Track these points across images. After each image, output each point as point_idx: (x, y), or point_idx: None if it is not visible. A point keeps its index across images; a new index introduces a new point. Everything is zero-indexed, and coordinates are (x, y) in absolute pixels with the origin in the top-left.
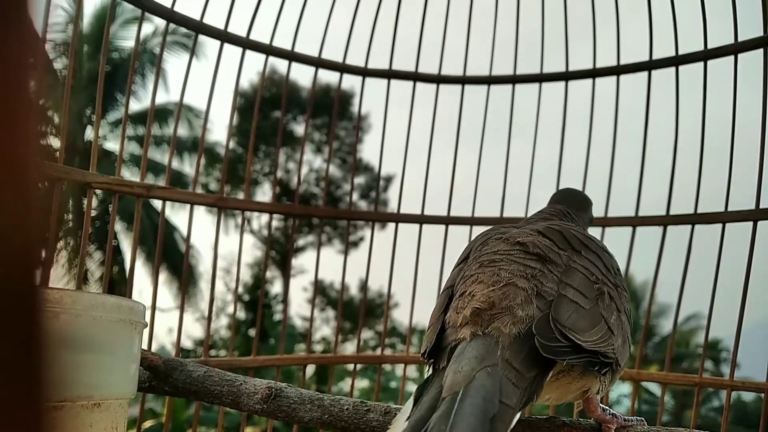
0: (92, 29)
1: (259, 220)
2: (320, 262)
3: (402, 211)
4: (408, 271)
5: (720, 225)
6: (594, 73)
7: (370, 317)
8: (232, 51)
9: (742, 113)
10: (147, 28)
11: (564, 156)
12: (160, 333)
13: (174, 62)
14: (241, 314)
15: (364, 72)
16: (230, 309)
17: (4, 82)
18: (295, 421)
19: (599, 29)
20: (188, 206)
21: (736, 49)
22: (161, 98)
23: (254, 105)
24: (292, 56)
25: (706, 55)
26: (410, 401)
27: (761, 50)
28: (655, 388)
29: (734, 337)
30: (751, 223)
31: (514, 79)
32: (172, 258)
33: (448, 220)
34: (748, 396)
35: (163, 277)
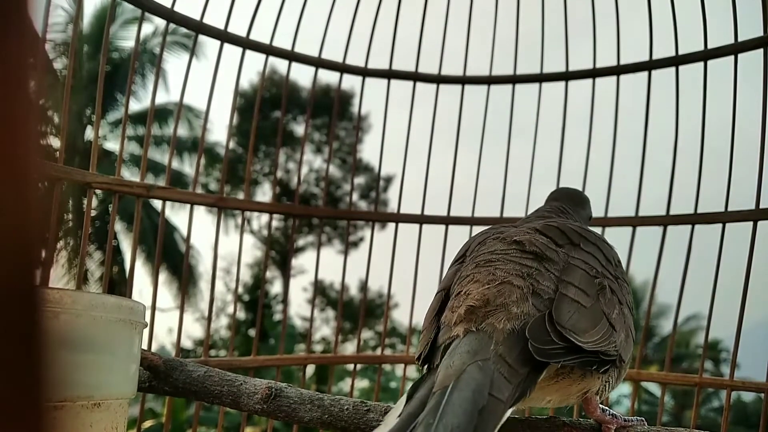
0: (92, 29)
1: (259, 220)
2: (320, 262)
3: (402, 211)
4: (408, 271)
5: (720, 225)
6: (594, 73)
7: (370, 317)
8: (232, 51)
9: (742, 113)
10: (147, 28)
11: (564, 156)
12: (160, 333)
13: (174, 62)
14: (241, 314)
15: (364, 72)
16: (230, 309)
17: (4, 82)
18: (295, 421)
19: (599, 29)
20: (188, 206)
21: (736, 49)
22: (161, 98)
23: (254, 105)
24: (292, 56)
25: (706, 55)
26: (403, 398)
27: (761, 50)
28: (655, 388)
29: (734, 337)
30: (751, 223)
31: (514, 79)
32: (172, 258)
33: (448, 220)
34: (748, 396)
35: (163, 277)
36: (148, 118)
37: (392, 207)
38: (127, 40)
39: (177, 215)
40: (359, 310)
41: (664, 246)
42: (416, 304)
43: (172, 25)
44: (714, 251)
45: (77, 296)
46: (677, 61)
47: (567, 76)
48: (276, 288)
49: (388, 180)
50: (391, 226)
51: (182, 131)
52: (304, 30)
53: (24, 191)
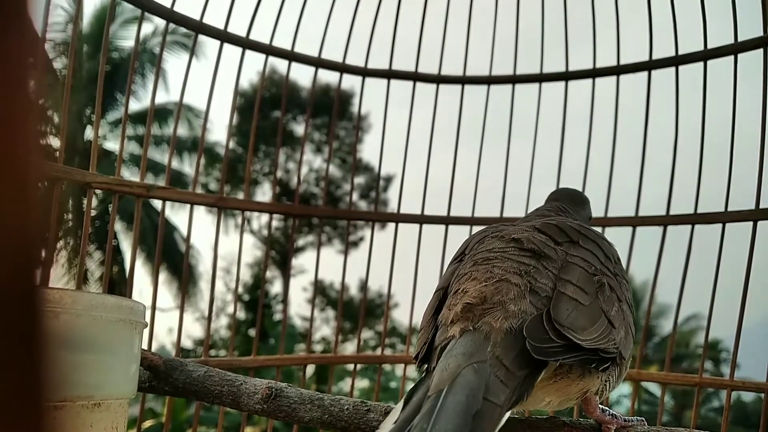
0: (92, 29)
1: (259, 220)
2: (320, 262)
3: (402, 211)
4: (408, 271)
5: (720, 225)
6: (594, 73)
7: (370, 317)
8: (232, 51)
9: (742, 113)
10: (147, 28)
11: (564, 156)
12: (160, 333)
13: (174, 62)
14: (241, 314)
15: (364, 72)
16: (230, 309)
17: (4, 82)
18: (295, 421)
19: (599, 29)
20: (188, 206)
21: (736, 49)
22: (161, 98)
23: (254, 105)
24: (292, 56)
25: (706, 55)
26: (400, 403)
27: (761, 50)
28: (655, 388)
29: (734, 337)
30: (751, 223)
31: (514, 79)
32: (172, 258)
33: (448, 220)
34: (748, 396)
35: (163, 277)
36: (148, 118)
37: (392, 207)
38: (127, 39)
39: (177, 215)
40: (359, 310)
41: (664, 246)
42: (416, 304)
43: (172, 25)
44: (714, 251)
45: (77, 296)
46: (677, 61)
47: (567, 76)
48: (276, 288)
49: (388, 180)
50: (391, 226)
51: (182, 131)
52: (304, 30)
53: (24, 191)
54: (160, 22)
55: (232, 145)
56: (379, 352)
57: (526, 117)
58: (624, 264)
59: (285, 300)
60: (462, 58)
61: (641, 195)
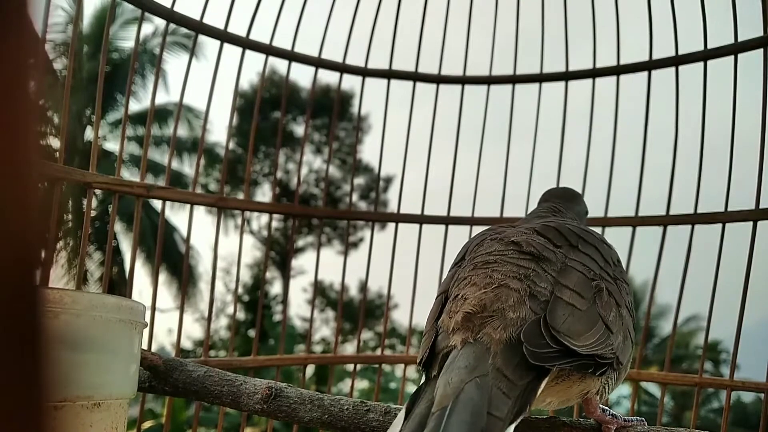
0: (92, 29)
1: (259, 220)
2: (320, 263)
3: (402, 211)
4: (408, 272)
5: (720, 225)
6: (594, 73)
7: (369, 318)
8: (232, 51)
9: (742, 113)
10: (147, 29)
11: (564, 156)
12: (159, 334)
13: (174, 62)
14: (241, 315)
15: (364, 72)
16: (230, 309)
17: (4, 82)
18: (295, 421)
19: (599, 29)
20: (188, 206)
21: (736, 49)
22: (161, 98)
23: (254, 105)
24: (292, 56)
25: (706, 55)
26: (402, 413)
27: (761, 50)
28: (654, 388)
29: (734, 337)
30: (751, 223)
31: (514, 79)
32: (172, 258)
33: (448, 220)
34: (747, 397)
35: (162, 277)
36: (148, 119)
37: (392, 207)
38: (127, 40)
39: (177, 215)
40: (359, 311)
41: (664, 246)
42: (416, 304)
43: (172, 25)
44: (714, 251)
45: (77, 296)
46: (677, 61)
47: (567, 76)
48: (276, 288)
49: (388, 180)
50: (391, 226)
51: (182, 131)
52: (304, 30)
53: (24, 191)
54: (160, 23)
55: (232, 145)
56: (378, 352)
57: (526, 117)
58: (624, 264)
59: (285, 300)
60: (462, 58)
61: (641, 195)
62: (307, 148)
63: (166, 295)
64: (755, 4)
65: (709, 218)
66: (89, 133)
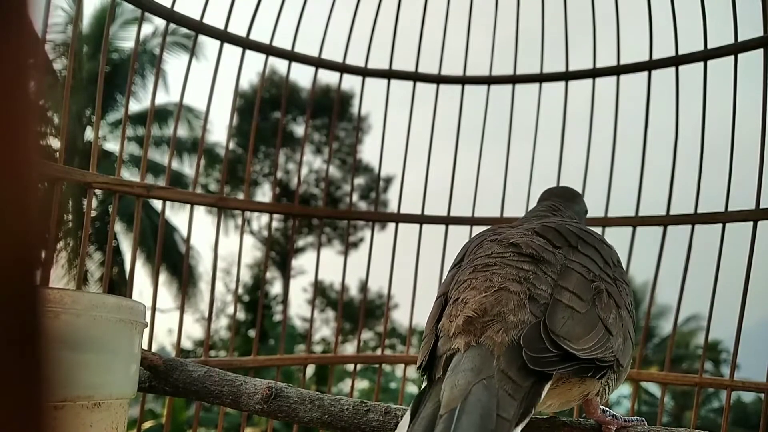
0: (92, 29)
1: (259, 220)
2: (320, 263)
3: (402, 211)
4: (408, 272)
5: (720, 225)
6: (594, 73)
7: (369, 318)
8: (232, 51)
9: (742, 113)
10: (147, 29)
11: (564, 156)
12: (160, 334)
13: (174, 63)
14: (241, 315)
15: (364, 72)
16: (230, 310)
17: (4, 82)
18: (295, 421)
19: (599, 29)
20: (188, 207)
21: (736, 49)
22: (161, 99)
23: (254, 105)
24: (292, 56)
25: (706, 55)
26: (407, 415)
27: (761, 50)
28: (654, 388)
29: (734, 337)
30: (751, 223)
31: (514, 79)
32: (172, 258)
33: (448, 220)
34: (748, 396)
35: (163, 277)
36: (148, 119)
37: (392, 207)
38: (126, 40)
39: (177, 216)
40: (359, 311)
41: (664, 246)
42: (416, 304)
43: (172, 26)
44: (714, 251)
45: (77, 296)
46: (677, 61)
47: (567, 76)
48: (276, 288)
49: (388, 180)
50: (391, 226)
51: (182, 132)
52: (304, 30)
53: (24, 191)
54: (160, 23)
55: (232, 145)
56: (379, 352)
57: (526, 117)
58: (624, 264)
59: (285, 301)
60: (462, 58)
61: (641, 195)
62: (307, 148)
63: (166, 295)
64: (755, 4)
65: (709, 218)
66: (89, 133)
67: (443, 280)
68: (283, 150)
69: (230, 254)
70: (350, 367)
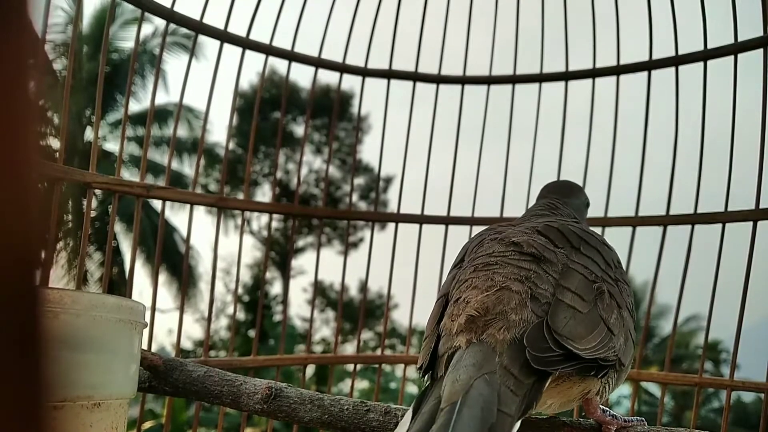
0: (92, 30)
1: (259, 220)
2: (320, 263)
3: (402, 211)
4: (408, 272)
5: (720, 225)
6: (594, 73)
7: (369, 318)
8: (231, 51)
9: (742, 113)
10: (147, 29)
11: (564, 156)
12: (159, 334)
13: (174, 63)
14: (241, 315)
15: (364, 72)
16: (230, 310)
17: (4, 82)
18: (295, 421)
19: (599, 29)
20: (188, 207)
21: (736, 49)
22: (161, 99)
23: (254, 105)
24: (292, 56)
25: (706, 55)
26: (409, 413)
27: (761, 50)
28: (654, 388)
29: (734, 337)
30: (751, 223)
31: (514, 79)
32: (172, 258)
33: (448, 220)
34: (748, 396)
35: (162, 277)
36: (148, 119)
37: (392, 207)
38: (126, 40)
39: (177, 216)
40: (359, 311)
41: (664, 246)
42: (416, 304)
43: (172, 26)
44: (714, 251)
45: (77, 296)
46: (677, 61)
47: (567, 76)
48: (276, 288)
49: (388, 180)
50: (391, 226)
51: (182, 132)
52: (304, 30)
53: (24, 191)
54: (160, 23)
55: (231, 145)
56: (378, 352)
57: (526, 117)
58: (624, 264)
59: (285, 301)
60: (462, 58)
61: (641, 195)
62: (307, 148)
63: (166, 296)
64: (755, 4)
65: (709, 218)
66: (89, 133)
67: (444, 281)
68: (283, 150)
69: (230, 254)
70: (350, 367)
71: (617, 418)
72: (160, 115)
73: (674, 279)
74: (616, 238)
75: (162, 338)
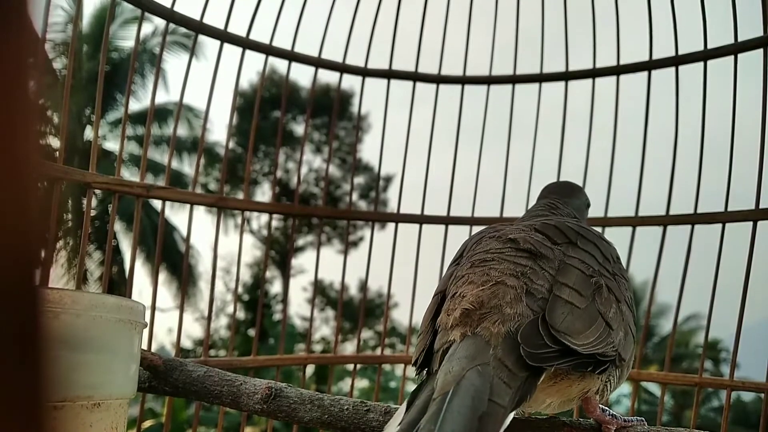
0: (92, 29)
1: (259, 220)
2: (320, 262)
3: (402, 211)
4: (408, 271)
5: (720, 225)
6: (594, 73)
7: (369, 317)
8: (232, 51)
9: (742, 113)
10: (147, 28)
11: (564, 156)
12: (159, 333)
13: (174, 62)
14: (241, 314)
15: (364, 72)
16: (230, 309)
17: (4, 82)
18: (295, 421)
19: (599, 29)
20: (188, 206)
21: (736, 49)
22: (161, 98)
23: (254, 105)
24: (291, 56)
25: (706, 55)
26: (403, 406)
27: (761, 50)
28: (654, 388)
29: (734, 337)
30: (751, 223)
31: (514, 79)
32: (172, 258)
33: (447, 220)
34: (748, 396)
35: (162, 277)
36: (148, 118)
37: (392, 207)
38: (126, 40)
39: (177, 215)
40: (359, 310)
41: (664, 246)
42: (416, 304)
43: (172, 25)
44: (714, 251)
45: (77, 296)
46: (677, 61)
47: (567, 76)
48: (276, 288)
49: (388, 180)
50: (391, 226)
51: (182, 131)
52: (304, 30)
53: (24, 191)
54: (160, 23)
55: (231, 145)
56: (378, 352)
57: (526, 117)
58: (624, 264)
59: (285, 300)
60: (462, 58)
61: (641, 195)
62: (307, 147)
63: (166, 295)
64: (755, 4)
65: (709, 218)
66: (89, 133)
67: (442, 278)
68: (282, 149)
69: (230, 253)
70: (350, 366)
71: (617, 418)
72: (160, 114)
73: (674, 279)
74: (616, 238)
75: (162, 337)
